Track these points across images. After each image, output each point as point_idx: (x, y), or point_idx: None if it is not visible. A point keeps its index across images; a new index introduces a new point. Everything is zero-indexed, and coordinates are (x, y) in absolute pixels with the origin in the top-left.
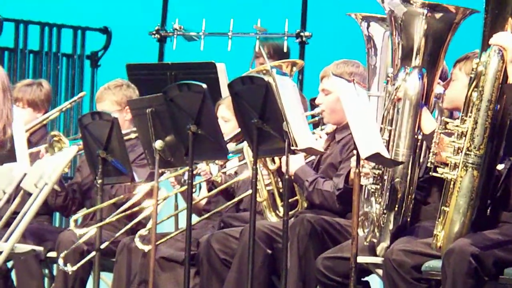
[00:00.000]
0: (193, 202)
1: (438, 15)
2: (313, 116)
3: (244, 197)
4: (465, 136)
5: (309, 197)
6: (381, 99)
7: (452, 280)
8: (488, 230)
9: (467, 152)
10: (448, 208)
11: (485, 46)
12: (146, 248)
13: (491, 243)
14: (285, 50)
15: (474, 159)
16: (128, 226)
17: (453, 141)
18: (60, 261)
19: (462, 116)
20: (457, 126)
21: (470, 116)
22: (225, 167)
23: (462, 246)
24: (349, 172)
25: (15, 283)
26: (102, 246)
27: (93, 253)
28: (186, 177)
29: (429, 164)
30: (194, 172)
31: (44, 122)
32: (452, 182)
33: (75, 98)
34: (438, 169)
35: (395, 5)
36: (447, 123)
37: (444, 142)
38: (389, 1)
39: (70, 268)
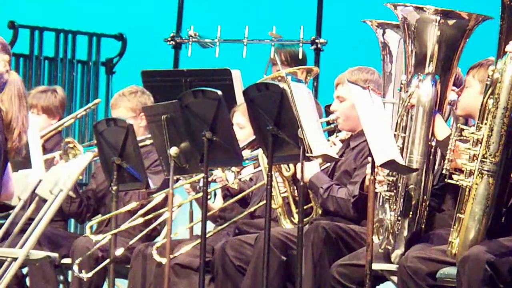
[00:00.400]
0: (210, 212)
1: (451, 22)
2: (328, 123)
3: (259, 206)
4: (481, 143)
5: (323, 204)
6: (396, 106)
7: (467, 287)
8: (503, 238)
9: (483, 159)
10: (463, 215)
11: (500, 53)
12: (164, 260)
13: (507, 250)
14: (300, 56)
15: (489, 166)
16: (143, 233)
17: (469, 148)
18: (75, 268)
19: (477, 123)
20: (472, 133)
21: (485, 124)
22: (240, 174)
23: (478, 253)
24: (364, 178)
25: None
26: (117, 254)
27: (108, 260)
28: (201, 183)
29: (444, 171)
30: (210, 179)
31: (59, 129)
32: (467, 189)
33: (90, 105)
34: (453, 176)
35: (408, 12)
36: (463, 130)
37: (459, 149)
38: (402, 8)
39: (85, 275)
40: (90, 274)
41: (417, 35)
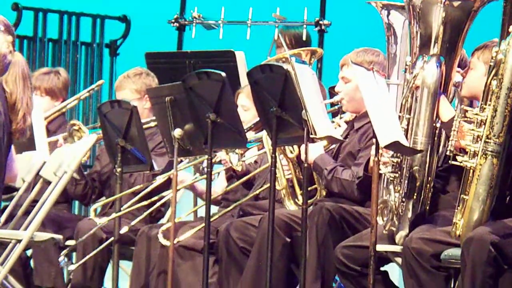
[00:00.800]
0: (213, 197)
1: (456, 3)
2: (332, 105)
3: (264, 189)
4: (485, 124)
5: (328, 186)
6: (401, 88)
7: (472, 268)
8: (508, 219)
9: (487, 140)
10: (467, 196)
11: (504, 34)
12: (169, 243)
13: (511, 231)
14: (304, 38)
15: (493, 147)
16: (146, 214)
17: (472, 129)
18: (61, 258)
19: (481, 104)
20: (476, 114)
21: (489, 105)
22: (244, 156)
23: (482, 234)
24: (368, 160)
25: (34, 271)
26: (122, 232)
27: (111, 239)
28: (205, 165)
29: (448, 153)
30: (214, 161)
31: (63, 111)
32: (471, 171)
33: (93, 86)
34: (457, 157)
35: None
36: (467, 111)
37: (464, 129)
38: None
39: (71, 266)
40: (77, 265)
41: (422, 17)
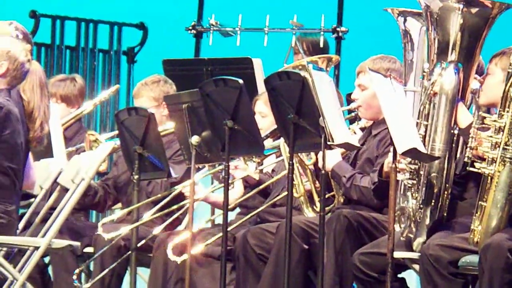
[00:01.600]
0: (230, 206)
1: (474, 10)
2: (349, 111)
3: (282, 197)
4: (503, 131)
5: (346, 193)
6: (418, 94)
7: (489, 275)
8: None
9: (505, 147)
10: (485, 203)
11: None
12: (179, 259)
13: None
14: (321, 45)
15: None
16: (164, 225)
17: (491, 136)
18: (74, 277)
19: (499, 111)
20: (494, 121)
21: (507, 111)
22: (262, 164)
23: (499, 241)
24: (382, 165)
25: (52, 278)
26: (139, 244)
27: (129, 252)
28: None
29: (466, 159)
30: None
31: (78, 117)
32: (489, 177)
33: (109, 91)
34: (475, 164)
35: (431, 0)
36: (485, 118)
37: (481, 137)
38: None
39: (83, 286)
40: (89, 285)
41: (439, 23)
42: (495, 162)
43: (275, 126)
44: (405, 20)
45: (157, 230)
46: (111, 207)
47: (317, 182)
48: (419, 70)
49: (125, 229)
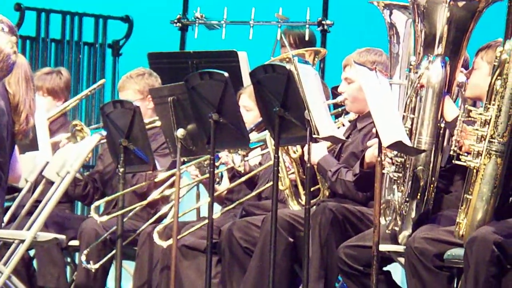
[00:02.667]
0: (216, 194)
1: (461, 3)
2: (335, 105)
3: (267, 187)
4: (489, 124)
5: (332, 187)
6: (403, 87)
7: (475, 268)
8: (511, 218)
9: (491, 140)
10: (471, 196)
11: (508, 34)
12: (165, 244)
13: None
14: (307, 38)
15: (497, 146)
16: (151, 221)
17: (476, 129)
18: (83, 258)
19: (485, 104)
20: (480, 114)
21: (493, 104)
22: (247, 157)
23: (485, 234)
24: (363, 156)
25: (37, 272)
26: (125, 242)
27: (113, 252)
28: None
29: (451, 152)
30: (217, 164)
31: (64, 111)
32: (475, 170)
33: (95, 85)
34: (461, 157)
35: None
36: (471, 111)
37: (467, 131)
38: None
39: (92, 266)
40: (97, 265)
41: (426, 16)
42: (481, 155)
43: (260, 120)
44: (390, 13)
45: (144, 225)
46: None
47: (302, 174)
48: (404, 63)
49: (110, 216)
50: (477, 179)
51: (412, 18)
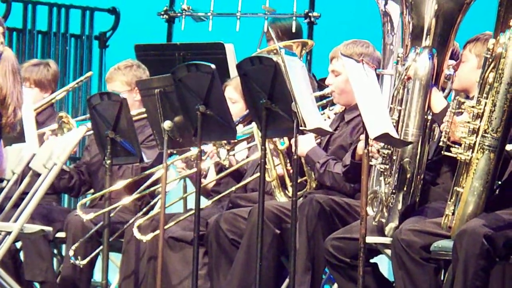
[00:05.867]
0: (202, 185)
1: None
2: (322, 97)
3: (254, 179)
4: (481, 117)
5: (320, 179)
6: (393, 78)
7: (464, 261)
8: (500, 211)
9: (484, 134)
10: (461, 189)
11: (500, 26)
12: (145, 238)
13: (503, 224)
14: (294, 30)
15: (491, 141)
16: (139, 214)
17: (468, 122)
18: (71, 253)
19: (478, 97)
20: (473, 107)
21: (486, 98)
22: (233, 150)
23: (475, 227)
24: (355, 148)
25: (24, 265)
26: (112, 238)
27: (100, 247)
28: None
29: (441, 143)
30: (203, 158)
31: (51, 102)
32: (465, 163)
33: (82, 78)
34: (452, 149)
35: None
36: (462, 103)
37: (456, 122)
38: None
39: (80, 262)
40: (85, 262)
41: (414, 8)
42: (472, 148)
43: (246, 112)
44: (385, 3)
45: (132, 220)
46: (85, 193)
47: (289, 166)
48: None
49: (97, 214)
50: (469, 174)
51: (400, 9)
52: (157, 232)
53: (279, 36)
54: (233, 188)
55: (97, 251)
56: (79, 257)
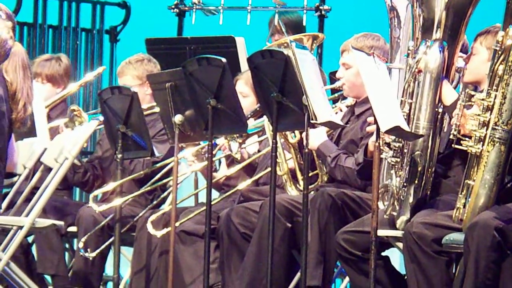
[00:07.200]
0: (214, 180)
1: None
2: (333, 90)
3: (266, 173)
4: (491, 110)
5: (331, 173)
6: (403, 72)
7: (475, 253)
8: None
9: (495, 127)
10: (472, 182)
11: (509, 18)
12: (159, 233)
13: None
14: (304, 23)
15: (501, 134)
16: (150, 207)
17: (479, 115)
18: (81, 245)
19: (488, 89)
20: (483, 99)
21: (496, 90)
22: (244, 143)
23: (486, 220)
24: (367, 145)
25: (36, 258)
26: (124, 230)
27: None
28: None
29: (451, 136)
30: (214, 152)
31: (64, 97)
32: (476, 156)
33: (95, 72)
34: (462, 142)
35: None
36: (472, 96)
37: (466, 115)
38: None
39: (90, 254)
40: (94, 254)
41: (425, 0)
42: (483, 141)
43: (256, 106)
44: None
45: (142, 212)
46: (99, 187)
47: (301, 159)
48: (405, 47)
49: (109, 205)
50: (480, 166)
51: (410, 2)
52: (169, 228)
53: (287, 30)
54: (245, 185)
55: (106, 243)
56: (88, 250)
